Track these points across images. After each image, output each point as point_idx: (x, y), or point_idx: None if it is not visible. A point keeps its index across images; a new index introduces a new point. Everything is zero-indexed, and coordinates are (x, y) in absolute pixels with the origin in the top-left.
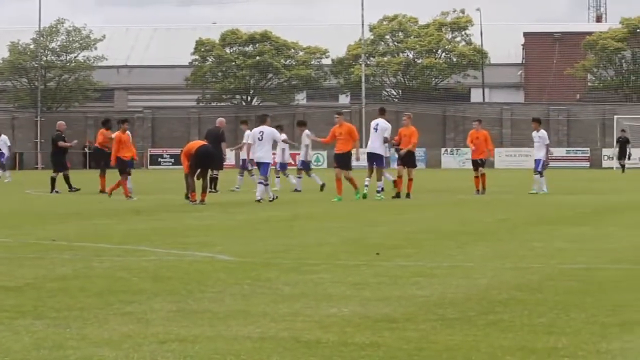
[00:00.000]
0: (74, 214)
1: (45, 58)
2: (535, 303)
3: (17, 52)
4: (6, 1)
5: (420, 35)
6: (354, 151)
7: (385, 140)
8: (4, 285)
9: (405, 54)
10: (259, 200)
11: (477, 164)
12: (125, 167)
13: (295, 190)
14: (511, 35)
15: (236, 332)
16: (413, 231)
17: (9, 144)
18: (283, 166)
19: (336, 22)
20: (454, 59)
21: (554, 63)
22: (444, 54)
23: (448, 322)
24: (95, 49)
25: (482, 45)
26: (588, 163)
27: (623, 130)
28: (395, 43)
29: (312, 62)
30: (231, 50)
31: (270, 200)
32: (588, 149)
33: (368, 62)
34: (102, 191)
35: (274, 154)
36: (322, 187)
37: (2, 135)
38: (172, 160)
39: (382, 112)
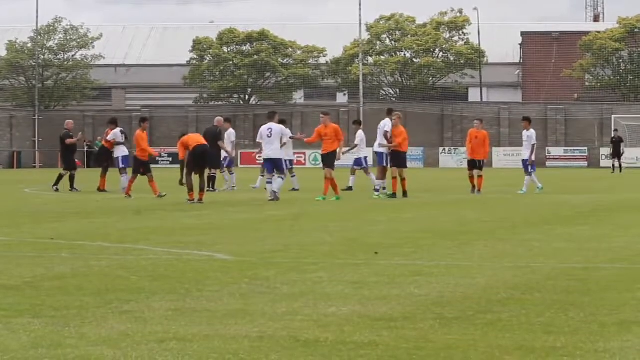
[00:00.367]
0: (72, 213)
1: (42, 56)
2: (534, 302)
3: (14, 51)
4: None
5: (417, 34)
6: (338, 150)
7: (385, 135)
8: (2, 284)
9: (403, 53)
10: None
11: (474, 164)
12: (139, 166)
13: (293, 189)
14: (509, 35)
15: (234, 331)
16: (411, 230)
17: None
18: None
19: (334, 22)
20: (452, 59)
21: (552, 62)
22: (441, 53)
23: (446, 321)
24: (93, 47)
25: (479, 44)
26: (586, 162)
27: (616, 130)
28: (393, 42)
29: (309, 62)
30: (229, 49)
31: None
32: (586, 148)
33: (365, 62)
34: (101, 189)
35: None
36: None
37: None
38: (170, 159)
39: (389, 113)
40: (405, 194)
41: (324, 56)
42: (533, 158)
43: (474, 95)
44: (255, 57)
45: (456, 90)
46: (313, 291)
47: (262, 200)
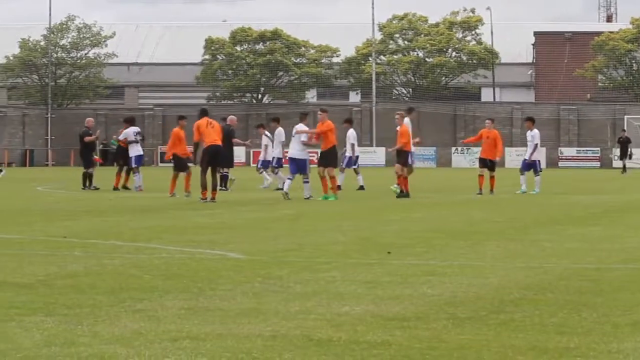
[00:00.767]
0: (84, 211)
1: (55, 55)
2: (547, 303)
3: (27, 49)
4: None
5: (430, 34)
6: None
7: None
8: (15, 282)
9: (416, 53)
10: (307, 198)
11: (485, 163)
12: (182, 164)
13: (278, 188)
14: (521, 35)
15: (247, 330)
16: (424, 230)
17: None
18: (279, 162)
19: (346, 21)
20: (464, 58)
21: (565, 63)
22: (454, 53)
23: (459, 321)
24: (106, 46)
25: (492, 44)
26: (598, 163)
27: (624, 130)
28: (405, 42)
29: (322, 61)
30: (241, 48)
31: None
32: (598, 148)
33: (378, 61)
34: (116, 187)
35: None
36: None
37: None
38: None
39: (409, 112)
40: (403, 192)
41: (337, 56)
42: (534, 157)
43: (486, 95)
44: (268, 56)
45: (469, 90)
46: (326, 290)
47: (274, 199)
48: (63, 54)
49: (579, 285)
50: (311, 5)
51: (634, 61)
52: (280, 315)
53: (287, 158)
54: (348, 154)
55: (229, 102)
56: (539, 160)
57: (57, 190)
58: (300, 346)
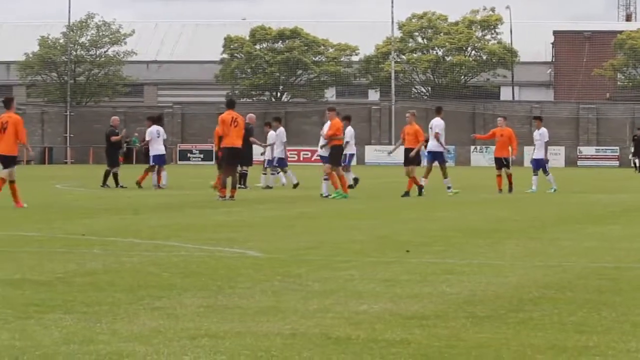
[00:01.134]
0: (103, 209)
1: (75, 52)
2: (566, 301)
3: (47, 47)
4: None
5: (450, 32)
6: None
7: (436, 137)
8: (34, 280)
9: (435, 52)
10: (326, 196)
11: (500, 163)
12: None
13: (267, 187)
14: (541, 34)
15: (266, 328)
16: (443, 229)
17: None
18: (280, 162)
19: (366, 19)
20: (484, 57)
21: (584, 62)
22: (473, 51)
23: (478, 320)
24: (125, 43)
25: (511, 43)
26: (617, 162)
27: (638, 129)
28: (425, 40)
29: (342, 59)
30: (261, 47)
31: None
32: (617, 147)
33: (398, 59)
34: (156, 185)
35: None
36: (296, 185)
37: None
38: (202, 155)
39: (438, 111)
40: (407, 193)
41: (356, 54)
42: (541, 156)
43: (505, 94)
44: (287, 54)
45: (488, 89)
46: (344, 289)
47: (292, 197)
48: (82, 52)
49: (598, 284)
50: (330, 3)
51: None
52: (299, 313)
53: (319, 156)
54: (347, 152)
55: (247, 100)
56: (545, 160)
57: (76, 188)
58: (319, 344)
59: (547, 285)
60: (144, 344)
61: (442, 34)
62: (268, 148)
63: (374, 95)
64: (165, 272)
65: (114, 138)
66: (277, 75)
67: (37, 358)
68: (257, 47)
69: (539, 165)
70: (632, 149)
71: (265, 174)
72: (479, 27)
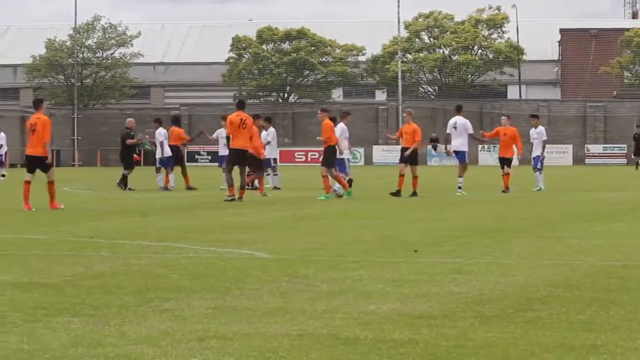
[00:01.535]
0: (111, 211)
1: (81, 55)
2: (574, 300)
3: (53, 49)
4: None
5: (456, 31)
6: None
7: (474, 136)
8: (42, 282)
9: (441, 51)
10: (340, 196)
11: (505, 162)
12: (260, 164)
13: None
14: (547, 32)
15: (274, 329)
16: (450, 228)
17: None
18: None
19: (372, 19)
20: (490, 56)
21: (591, 60)
22: (480, 50)
23: (486, 319)
24: (132, 45)
25: (518, 42)
26: (625, 160)
27: (638, 126)
28: (431, 39)
29: (348, 60)
30: (268, 47)
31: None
32: (625, 145)
33: (404, 59)
34: (190, 187)
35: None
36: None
37: (1, 133)
38: (210, 157)
39: (459, 110)
40: (414, 193)
41: (363, 54)
42: (537, 154)
43: (512, 92)
44: (294, 55)
45: (495, 88)
46: (353, 289)
47: (300, 199)
48: (89, 54)
49: (606, 282)
50: (337, 3)
51: None
52: (307, 314)
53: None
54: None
55: (255, 101)
56: (541, 158)
57: (84, 191)
58: (327, 345)
59: (554, 283)
60: (153, 346)
61: (448, 33)
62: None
63: (380, 95)
64: (174, 274)
65: (129, 141)
66: (284, 76)
67: None
68: (264, 47)
69: (537, 162)
70: (633, 148)
71: (268, 174)
72: (485, 26)
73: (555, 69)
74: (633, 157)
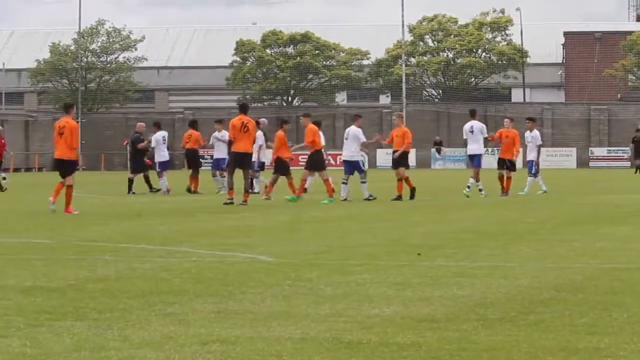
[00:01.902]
0: (115, 216)
1: (85, 59)
2: (577, 303)
3: (58, 53)
4: (48, 2)
5: (460, 35)
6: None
7: (485, 140)
8: (45, 286)
9: (445, 54)
10: (345, 199)
11: (503, 163)
12: (288, 167)
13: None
14: (551, 35)
15: (278, 333)
16: (454, 231)
17: None
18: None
19: (376, 23)
20: (494, 59)
21: (595, 63)
22: (483, 53)
23: (489, 323)
24: (136, 49)
25: (522, 44)
26: (629, 163)
27: (638, 130)
28: (435, 43)
29: (352, 63)
30: (272, 51)
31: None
32: (629, 148)
33: (408, 62)
34: (195, 191)
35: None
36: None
37: None
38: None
39: (473, 114)
40: (399, 197)
41: (367, 58)
42: (532, 158)
43: (516, 95)
44: (299, 59)
45: (499, 91)
46: (356, 292)
47: (303, 202)
48: (93, 58)
49: (609, 285)
50: (341, 7)
51: None
52: (310, 317)
53: (342, 160)
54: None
55: (259, 105)
56: (536, 162)
57: (88, 195)
58: (330, 348)
59: (558, 286)
60: (156, 350)
61: (452, 36)
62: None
63: (384, 99)
64: (177, 278)
65: (140, 145)
66: (288, 80)
67: None
68: (268, 51)
69: (532, 167)
70: (633, 151)
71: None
72: (489, 29)
73: (559, 72)
74: (634, 160)
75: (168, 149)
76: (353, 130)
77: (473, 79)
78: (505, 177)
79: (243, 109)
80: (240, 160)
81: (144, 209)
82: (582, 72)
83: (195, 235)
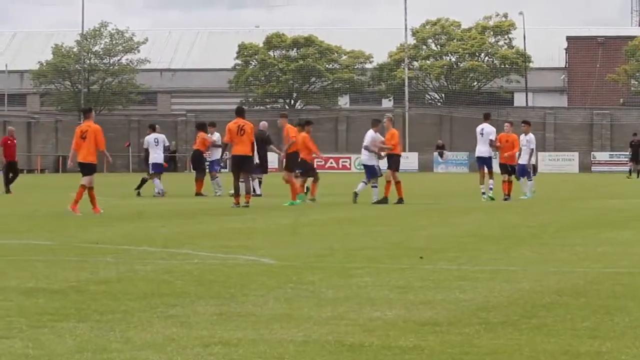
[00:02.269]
0: (117, 217)
1: (88, 61)
2: (579, 307)
3: (60, 55)
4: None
5: (463, 38)
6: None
7: (490, 143)
8: (48, 288)
9: (448, 58)
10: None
11: (505, 168)
12: (313, 169)
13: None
14: (554, 39)
15: (279, 335)
16: (456, 235)
17: None
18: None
19: (379, 26)
20: (497, 63)
21: (597, 67)
22: (486, 57)
23: (491, 326)
24: (139, 52)
25: (524, 49)
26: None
27: (635, 134)
28: (438, 46)
29: (355, 67)
30: (275, 54)
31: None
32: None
33: (411, 66)
34: (198, 193)
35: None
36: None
37: None
38: None
39: (486, 117)
40: (401, 200)
41: (370, 62)
42: (533, 162)
43: (519, 100)
44: (301, 62)
45: (501, 95)
46: (358, 295)
47: (306, 205)
48: (96, 60)
49: (611, 289)
50: (344, 11)
51: None
52: (312, 320)
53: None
54: None
55: (261, 107)
56: (528, 165)
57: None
58: (332, 351)
59: (560, 291)
60: (158, 352)
61: (455, 40)
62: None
63: (387, 102)
64: (179, 280)
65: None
66: (290, 83)
67: None
68: (271, 54)
69: (524, 171)
70: (630, 155)
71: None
72: (492, 33)
73: (562, 76)
74: (635, 165)
75: (171, 151)
76: (371, 134)
77: (476, 83)
78: (507, 182)
79: (239, 112)
80: (240, 163)
81: (146, 211)
82: (585, 77)
83: (197, 238)
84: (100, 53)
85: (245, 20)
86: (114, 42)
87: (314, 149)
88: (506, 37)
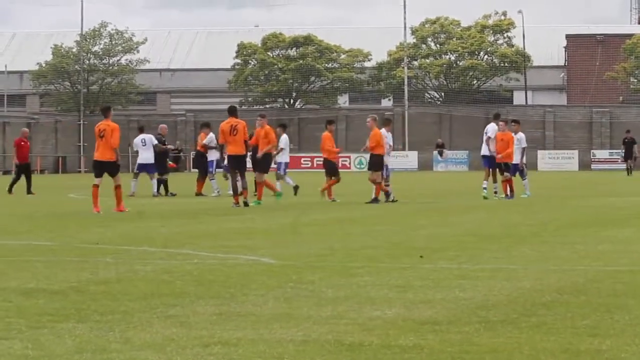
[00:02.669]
0: (117, 218)
1: (88, 61)
2: (579, 305)
3: (60, 56)
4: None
5: (462, 37)
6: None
7: (487, 142)
8: (47, 289)
9: (447, 56)
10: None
11: (502, 167)
12: (335, 168)
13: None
14: (553, 38)
15: (279, 335)
16: (456, 234)
17: None
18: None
19: (378, 25)
20: (496, 61)
21: (597, 65)
22: (486, 56)
23: (491, 325)
24: (138, 52)
25: (524, 47)
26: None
27: (628, 131)
28: (438, 45)
29: (354, 65)
30: (274, 54)
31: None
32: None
33: (410, 65)
34: (199, 193)
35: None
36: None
37: None
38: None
39: (495, 117)
40: (376, 199)
41: (369, 60)
42: (524, 161)
43: (518, 98)
44: (300, 61)
45: (501, 94)
46: (358, 295)
47: (306, 204)
48: (95, 61)
49: (611, 287)
50: (343, 10)
51: None
52: (312, 320)
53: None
54: (281, 160)
55: (260, 107)
56: (520, 164)
57: (89, 196)
58: (332, 351)
59: (560, 289)
60: (158, 352)
61: (454, 39)
62: None
63: (387, 102)
64: (179, 280)
65: (158, 148)
66: (290, 82)
67: None
68: (270, 54)
69: (515, 170)
70: (623, 152)
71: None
72: (491, 31)
73: (561, 74)
74: (623, 161)
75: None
76: (383, 133)
77: (475, 82)
78: (504, 180)
79: (232, 112)
80: (235, 163)
81: (146, 211)
82: (584, 75)
83: (197, 238)
84: (100, 53)
85: (246, 20)
86: (113, 42)
87: (332, 148)
88: (505, 35)
